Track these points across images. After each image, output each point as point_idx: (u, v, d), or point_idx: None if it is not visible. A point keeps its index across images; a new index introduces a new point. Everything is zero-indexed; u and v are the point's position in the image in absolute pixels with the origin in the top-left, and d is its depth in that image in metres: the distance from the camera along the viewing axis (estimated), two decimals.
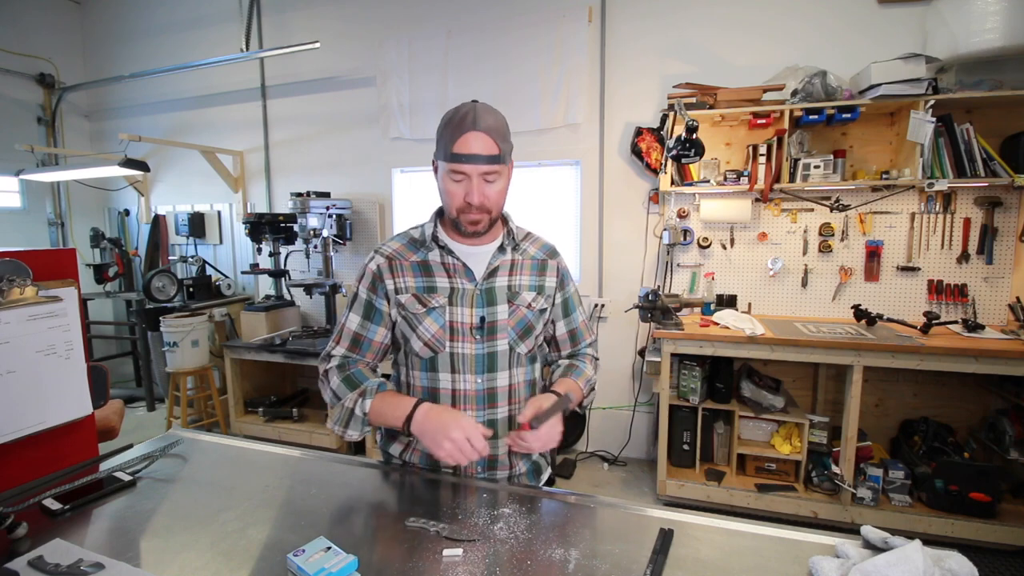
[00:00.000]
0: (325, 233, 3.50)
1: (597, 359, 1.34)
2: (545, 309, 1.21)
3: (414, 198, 3.77)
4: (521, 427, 1.05)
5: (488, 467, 1.17)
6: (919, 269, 2.78)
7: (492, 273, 1.16)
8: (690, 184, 2.91)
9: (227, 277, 4.17)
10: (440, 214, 1.19)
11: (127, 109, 4.54)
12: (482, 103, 1.07)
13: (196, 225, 4.24)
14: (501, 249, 1.17)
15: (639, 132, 3.07)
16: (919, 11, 2.65)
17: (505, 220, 1.21)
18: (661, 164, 2.86)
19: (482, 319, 1.12)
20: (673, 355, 2.68)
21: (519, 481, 1.21)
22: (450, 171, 1.05)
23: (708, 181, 2.89)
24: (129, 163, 3.30)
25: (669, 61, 3.07)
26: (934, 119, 2.44)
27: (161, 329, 3.44)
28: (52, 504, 1.00)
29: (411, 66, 3.51)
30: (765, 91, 2.70)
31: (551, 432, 1.06)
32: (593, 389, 1.27)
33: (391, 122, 3.61)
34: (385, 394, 1.11)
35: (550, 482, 1.31)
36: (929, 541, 0.82)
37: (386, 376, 1.24)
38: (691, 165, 2.88)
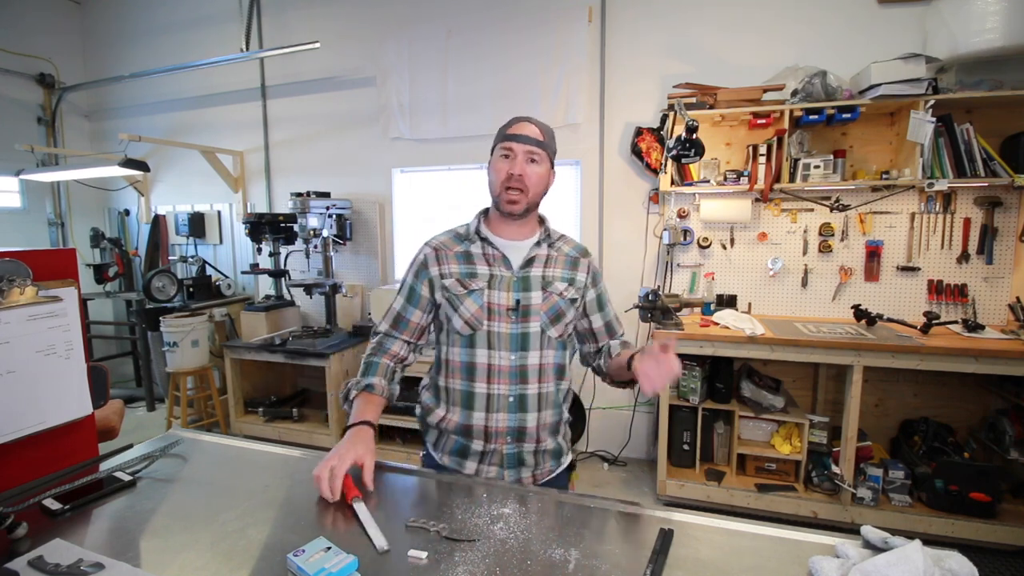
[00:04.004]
0: (325, 233, 3.50)
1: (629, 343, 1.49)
2: (575, 299, 1.31)
3: (414, 198, 3.77)
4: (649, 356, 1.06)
5: (517, 439, 1.26)
6: (919, 269, 2.78)
7: (528, 263, 1.28)
8: (690, 184, 2.92)
9: (227, 277, 4.17)
10: (485, 214, 1.34)
11: (127, 109, 4.54)
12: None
13: (196, 225, 4.24)
14: (538, 244, 1.31)
15: (639, 132, 3.07)
16: (919, 11, 2.65)
17: (542, 220, 1.35)
18: (661, 164, 2.86)
19: (517, 302, 1.24)
20: None
21: (544, 457, 1.30)
22: (501, 149, 1.25)
23: (708, 181, 2.89)
24: (129, 163, 3.30)
25: (669, 61, 3.07)
26: (934, 119, 2.44)
27: (161, 329, 3.44)
28: (52, 504, 1.00)
29: (411, 66, 3.51)
30: (765, 91, 2.70)
31: (670, 364, 1.04)
32: None
33: (391, 122, 3.61)
34: (362, 396, 1.24)
35: (571, 467, 1.42)
36: (929, 541, 0.82)
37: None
38: (691, 165, 2.88)
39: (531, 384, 1.25)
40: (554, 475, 1.35)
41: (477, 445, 1.26)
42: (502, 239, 1.29)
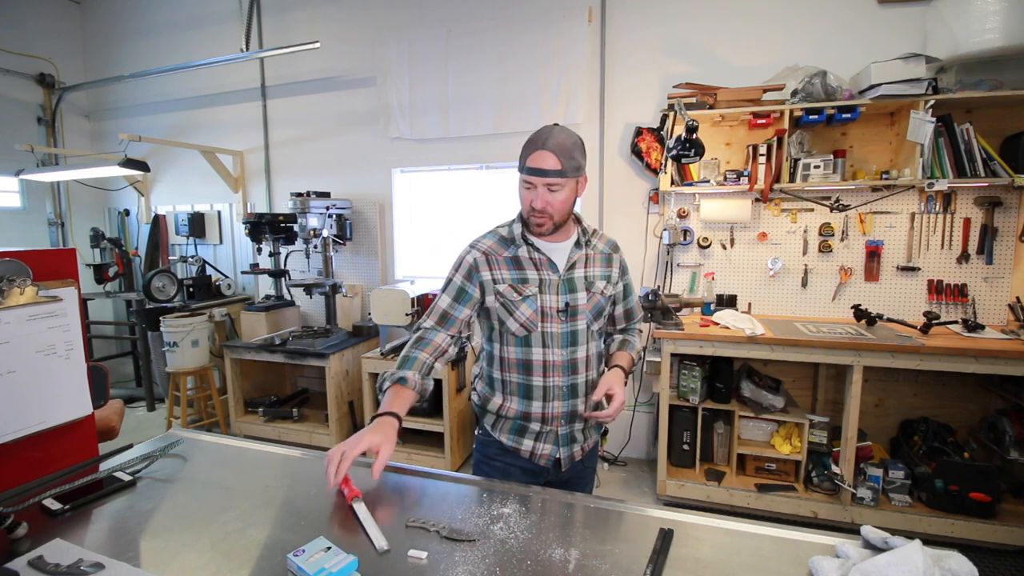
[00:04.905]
0: (325, 233, 3.50)
1: (641, 331, 1.61)
2: (611, 295, 1.44)
3: (414, 198, 3.77)
4: (596, 404, 1.31)
5: (570, 421, 1.38)
6: (919, 269, 2.78)
7: (572, 266, 1.37)
8: (690, 184, 2.91)
9: (227, 277, 4.17)
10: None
11: (127, 109, 4.54)
12: (561, 126, 1.29)
13: (196, 225, 4.24)
14: (577, 245, 1.39)
15: (639, 132, 3.07)
16: (919, 11, 2.65)
17: (578, 220, 1.42)
18: (661, 164, 2.86)
19: (567, 304, 1.34)
20: (673, 355, 2.68)
21: (589, 432, 1.43)
22: (523, 180, 1.30)
23: (708, 181, 2.89)
24: (129, 163, 3.30)
25: (669, 61, 3.07)
26: (934, 119, 2.44)
27: (161, 329, 3.44)
28: (52, 504, 1.00)
29: (411, 66, 3.51)
30: (765, 91, 2.70)
31: (620, 406, 1.30)
32: (641, 356, 1.54)
33: (391, 122, 3.61)
34: (394, 388, 1.25)
35: (604, 433, 1.59)
36: (929, 541, 0.82)
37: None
38: (691, 165, 2.87)
39: (580, 374, 1.37)
40: (596, 444, 1.50)
41: (535, 426, 1.37)
42: (545, 242, 1.36)
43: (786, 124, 2.64)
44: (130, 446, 1.28)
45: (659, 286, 3.16)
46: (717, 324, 2.72)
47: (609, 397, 1.30)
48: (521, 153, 1.31)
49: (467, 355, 1.47)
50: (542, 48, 3.23)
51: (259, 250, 3.83)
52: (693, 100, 2.76)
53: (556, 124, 1.30)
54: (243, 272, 4.05)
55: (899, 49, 2.53)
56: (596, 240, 1.45)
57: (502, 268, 1.35)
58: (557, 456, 1.38)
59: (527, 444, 1.38)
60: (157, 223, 4.31)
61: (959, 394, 2.74)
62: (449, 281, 1.39)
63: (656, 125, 3.03)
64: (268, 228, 3.52)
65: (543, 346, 1.34)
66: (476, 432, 1.50)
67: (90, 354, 1.35)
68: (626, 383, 1.38)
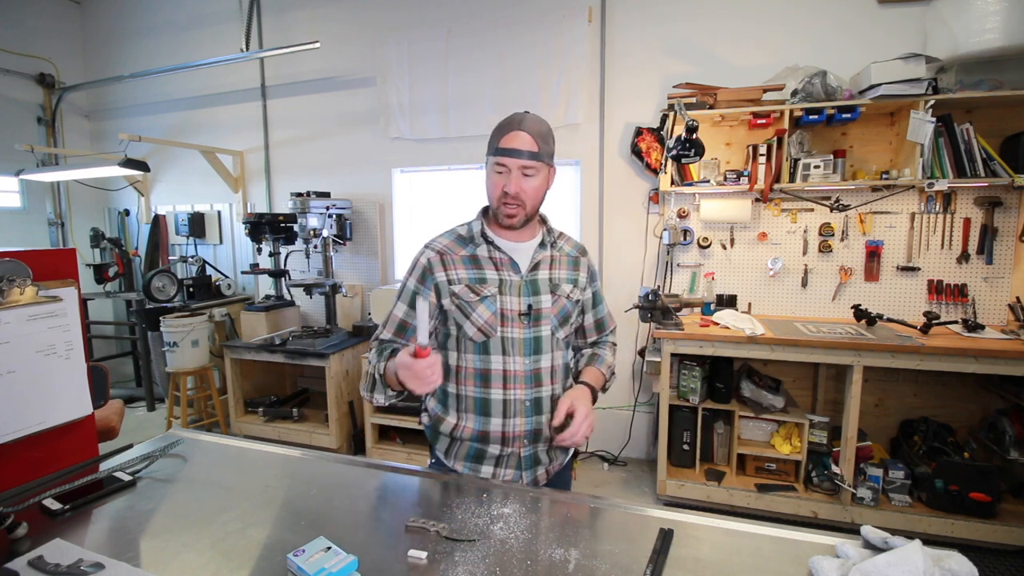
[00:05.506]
0: (325, 233, 3.50)
1: (615, 344, 1.49)
2: (579, 300, 1.34)
3: (414, 198, 3.77)
4: (559, 428, 1.17)
5: (533, 440, 1.26)
6: (919, 269, 2.78)
7: (535, 267, 1.28)
8: (690, 184, 2.91)
9: (227, 277, 4.17)
10: (485, 213, 1.31)
11: (127, 109, 4.54)
12: (533, 113, 1.22)
13: (196, 225, 4.24)
14: (542, 245, 1.30)
15: (639, 132, 3.07)
16: (919, 11, 2.65)
17: (543, 220, 1.34)
18: (661, 164, 2.86)
19: (529, 307, 1.24)
20: (673, 355, 2.68)
21: (555, 454, 1.32)
22: (494, 164, 1.20)
23: (708, 181, 2.89)
24: (129, 163, 3.30)
25: (669, 61, 3.07)
26: (934, 119, 2.44)
27: (161, 329, 3.44)
28: (52, 504, 1.00)
29: (411, 66, 3.51)
30: (765, 91, 2.70)
31: (584, 423, 1.17)
32: (614, 374, 1.42)
33: (391, 122, 3.61)
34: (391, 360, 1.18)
35: (575, 454, 1.47)
36: (929, 541, 0.82)
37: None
38: (691, 165, 2.87)
39: (545, 386, 1.26)
40: (563, 466, 1.37)
41: (494, 449, 1.25)
42: (507, 241, 1.27)
43: (786, 124, 2.64)
44: (130, 446, 1.28)
45: (659, 286, 3.16)
46: (717, 324, 2.72)
47: (571, 416, 1.17)
48: (491, 137, 1.22)
49: None
50: (542, 48, 3.23)
51: (259, 250, 3.83)
52: (693, 100, 2.76)
53: (527, 111, 1.23)
54: (243, 272, 4.05)
55: (899, 49, 2.53)
56: (562, 242, 1.36)
57: (458, 268, 1.24)
58: (520, 482, 1.26)
59: (486, 471, 1.25)
60: (157, 223, 4.31)
61: (959, 394, 2.74)
62: (403, 287, 1.28)
63: (656, 125, 3.03)
64: (268, 228, 3.52)
65: (503, 353, 1.22)
66: (428, 462, 1.37)
67: (90, 354, 1.35)
68: (594, 400, 1.26)
